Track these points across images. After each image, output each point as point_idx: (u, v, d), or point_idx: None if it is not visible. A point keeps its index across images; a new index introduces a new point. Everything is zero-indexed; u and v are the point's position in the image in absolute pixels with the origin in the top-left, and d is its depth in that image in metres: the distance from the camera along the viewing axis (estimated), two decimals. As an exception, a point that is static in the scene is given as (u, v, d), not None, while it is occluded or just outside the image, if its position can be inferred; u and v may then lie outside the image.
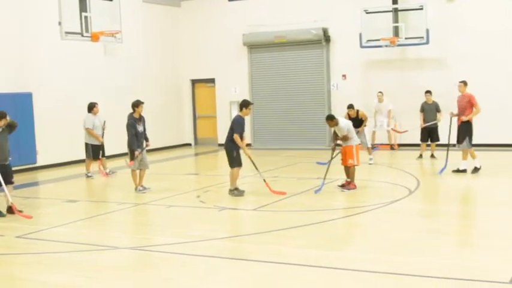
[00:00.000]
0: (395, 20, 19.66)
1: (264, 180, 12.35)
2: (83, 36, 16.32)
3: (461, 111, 14.04)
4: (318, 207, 11.07)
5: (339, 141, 12.74)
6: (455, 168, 14.14)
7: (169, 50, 22.93)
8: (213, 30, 22.74)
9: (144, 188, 13.19)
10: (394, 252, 7.99)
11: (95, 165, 15.96)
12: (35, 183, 15.44)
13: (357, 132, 13.59)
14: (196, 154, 21.80)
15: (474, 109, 13.92)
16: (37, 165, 17.48)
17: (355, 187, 12.48)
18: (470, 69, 18.49)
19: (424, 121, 16.99)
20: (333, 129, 12.85)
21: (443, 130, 16.68)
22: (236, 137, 12.03)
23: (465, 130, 13.97)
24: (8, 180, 10.96)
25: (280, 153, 20.02)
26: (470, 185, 13.42)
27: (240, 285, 7.14)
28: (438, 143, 16.94)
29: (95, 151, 15.56)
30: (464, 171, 14.06)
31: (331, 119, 12.42)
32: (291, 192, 12.33)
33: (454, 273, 6.92)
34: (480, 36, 18.99)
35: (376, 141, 19.35)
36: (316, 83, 21.45)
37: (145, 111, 13.52)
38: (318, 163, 14.02)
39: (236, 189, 12.30)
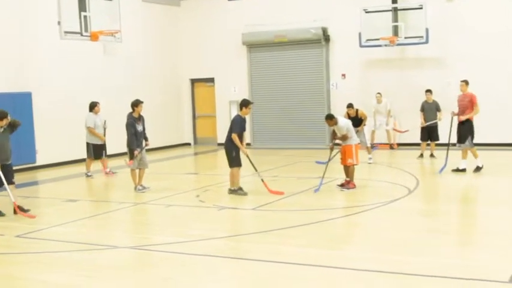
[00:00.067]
0: (395, 20, 19.67)
1: (262, 180, 12.36)
2: (82, 35, 16.33)
3: (462, 110, 14.04)
4: (317, 206, 11.07)
5: (337, 141, 12.74)
6: (455, 168, 14.14)
7: (169, 49, 22.93)
8: (213, 30, 22.73)
9: (144, 188, 13.19)
10: (393, 251, 7.99)
11: (95, 165, 15.97)
12: (35, 183, 15.44)
13: (357, 132, 13.59)
14: (196, 153, 21.80)
15: (474, 108, 13.92)
16: (36, 164, 17.47)
17: (354, 186, 12.48)
18: (470, 68, 18.50)
19: (425, 120, 16.99)
20: (331, 128, 12.85)
21: (443, 129, 16.72)
22: (234, 136, 12.04)
23: (467, 129, 13.98)
24: (9, 180, 10.96)
25: (279, 152, 20.03)
26: (470, 184, 13.42)
27: (239, 284, 7.14)
28: (438, 142, 16.97)
29: (96, 151, 15.56)
30: (463, 170, 14.06)
31: (330, 118, 12.43)
32: (291, 192, 12.33)
33: (453, 273, 6.92)
34: (479, 36, 18.99)
35: (376, 141, 19.36)
36: (315, 82, 21.45)
37: (144, 111, 13.52)
38: (317, 162, 14.02)
39: (240, 188, 12.29)
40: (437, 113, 16.96)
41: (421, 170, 15.45)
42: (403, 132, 18.72)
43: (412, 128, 17.95)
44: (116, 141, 16.28)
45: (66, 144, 18.18)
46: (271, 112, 22.10)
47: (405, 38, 19.40)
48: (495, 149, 17.70)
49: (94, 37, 16.52)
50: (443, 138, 16.76)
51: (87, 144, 15.64)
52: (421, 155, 17.04)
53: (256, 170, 12.45)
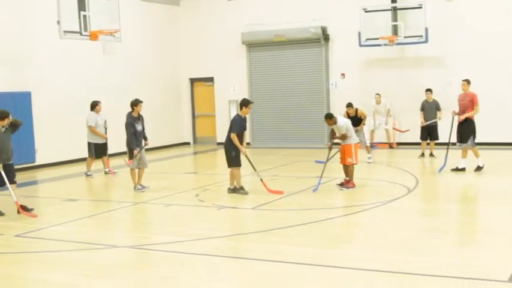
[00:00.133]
0: (394, 19, 19.67)
1: (261, 180, 12.36)
2: (81, 35, 16.32)
3: (463, 110, 14.05)
4: (316, 206, 11.08)
5: (336, 140, 12.75)
6: (454, 167, 14.14)
7: (168, 48, 22.93)
8: (212, 29, 22.73)
9: (143, 187, 13.19)
10: (393, 250, 7.99)
11: (95, 165, 15.96)
12: (34, 182, 15.43)
13: (356, 131, 13.60)
14: (195, 153, 21.80)
15: (474, 108, 13.91)
16: (36, 164, 17.46)
17: (353, 186, 12.48)
18: (469, 68, 18.49)
19: (425, 119, 16.99)
20: (330, 127, 12.85)
21: (443, 129, 16.73)
22: (233, 136, 12.04)
23: (469, 129, 13.98)
24: (11, 180, 10.97)
25: (278, 152, 20.03)
26: (470, 183, 13.42)
27: (239, 283, 7.14)
28: (437, 141, 16.98)
29: (97, 150, 15.56)
30: (463, 169, 14.07)
31: (329, 117, 12.43)
32: (290, 191, 12.33)
33: (453, 272, 6.93)
34: (479, 35, 19.00)
35: (375, 140, 19.38)
36: (315, 81, 21.45)
37: (144, 110, 13.53)
38: (317, 162, 14.01)
39: (241, 188, 12.30)
40: (437, 113, 16.96)
41: (420, 170, 15.45)
42: (404, 131, 18.75)
43: (413, 127, 17.97)
44: (116, 140, 16.28)
45: (66, 143, 18.20)
46: (271, 111, 22.10)
47: (405, 37, 19.39)
48: (494, 148, 17.71)
49: (93, 36, 16.51)
50: (443, 137, 16.78)
51: (89, 143, 15.64)
52: (422, 155, 17.04)
53: (255, 170, 12.45)
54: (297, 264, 7.47)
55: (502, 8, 18.84)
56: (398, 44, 19.54)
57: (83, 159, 17.42)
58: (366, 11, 19.73)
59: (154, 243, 8.90)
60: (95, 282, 7.20)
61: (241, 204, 11.55)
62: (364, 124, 15.73)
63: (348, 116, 15.13)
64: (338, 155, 12.89)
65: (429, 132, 16.99)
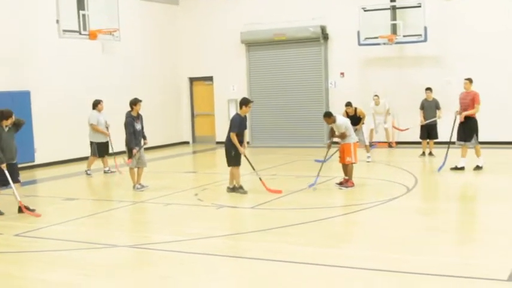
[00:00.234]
0: (393, 18, 19.68)
1: (260, 179, 12.36)
2: (80, 34, 16.31)
3: (465, 108, 14.05)
4: (315, 205, 11.09)
5: (335, 139, 12.76)
6: (453, 166, 14.15)
7: (168, 48, 22.92)
8: (212, 28, 22.73)
9: (142, 186, 13.20)
10: (392, 249, 8.00)
11: (96, 164, 15.97)
12: (33, 182, 15.43)
13: (355, 130, 13.61)
14: (194, 152, 21.81)
15: (475, 106, 13.91)
16: (35, 163, 17.46)
17: (353, 185, 12.49)
18: (469, 67, 18.47)
19: (424, 118, 17.00)
20: (330, 126, 12.86)
21: (443, 128, 16.76)
22: (232, 136, 12.04)
23: (472, 127, 13.99)
24: (15, 179, 10.98)
25: (278, 151, 20.03)
26: (469, 182, 13.43)
27: (238, 282, 7.15)
28: (436, 140, 17.00)
29: (100, 149, 15.58)
30: (462, 168, 14.08)
31: (328, 116, 12.45)
32: (289, 190, 12.34)
33: (452, 271, 6.93)
34: (478, 35, 19.01)
35: (374, 139, 19.40)
36: (314, 80, 21.46)
37: (143, 109, 13.52)
38: (316, 161, 14.01)
39: (241, 187, 12.30)
40: (437, 111, 16.97)
41: (419, 169, 15.45)
42: (403, 130, 18.77)
43: (412, 126, 17.98)
44: (115, 140, 16.26)
45: (65, 143, 18.21)
46: (270, 110, 22.10)
47: (404, 36, 19.41)
48: (493, 148, 17.71)
49: (92, 36, 16.51)
50: (442, 136, 16.80)
51: (91, 142, 15.64)
52: (423, 154, 17.04)
53: (254, 169, 12.45)
54: (297, 264, 7.47)
55: (501, 7, 18.85)
56: (397, 43, 19.55)
57: (83, 159, 17.47)
58: (365, 10, 19.75)
59: (153, 243, 8.90)
60: (94, 282, 7.21)
61: (241, 203, 11.56)
62: (363, 123, 15.75)
63: (347, 115, 15.15)
64: (337, 154, 12.89)
65: (429, 131, 16.99)
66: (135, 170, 13.25)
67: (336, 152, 13.02)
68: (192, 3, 23.13)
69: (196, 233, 9.23)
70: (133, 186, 13.21)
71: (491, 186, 12.75)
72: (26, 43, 17.37)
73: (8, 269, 7.94)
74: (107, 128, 15.68)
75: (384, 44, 19.63)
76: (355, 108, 15.53)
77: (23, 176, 15.40)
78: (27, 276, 7.62)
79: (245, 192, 12.19)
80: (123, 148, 13.61)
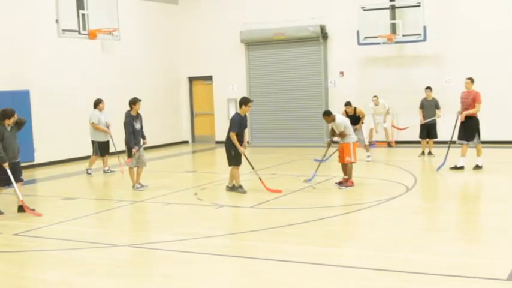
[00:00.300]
0: (393, 17, 19.69)
1: (260, 179, 12.36)
2: (80, 33, 16.29)
3: (466, 107, 14.04)
4: (315, 204, 11.09)
5: (335, 139, 12.77)
6: (453, 165, 14.15)
7: (167, 47, 22.92)
8: (211, 28, 22.73)
9: (142, 186, 13.19)
10: (392, 249, 8.00)
11: (98, 163, 15.98)
12: (33, 181, 15.42)
13: (355, 130, 13.62)
14: (194, 152, 21.80)
15: (476, 106, 13.91)
16: (35, 163, 17.45)
17: (352, 184, 12.49)
18: (468, 66, 18.51)
19: (424, 118, 17.00)
20: (330, 126, 12.86)
21: (442, 127, 16.79)
22: (232, 135, 12.04)
23: (473, 127, 14.00)
24: (18, 178, 10.98)
25: (277, 150, 20.03)
26: (469, 181, 13.44)
27: (238, 282, 7.15)
28: (436, 140, 17.01)
29: (101, 148, 15.58)
30: (462, 168, 14.08)
31: (328, 114, 12.47)
32: (289, 190, 12.34)
33: (451, 270, 6.93)
34: (477, 34, 19.04)
35: (374, 139, 19.41)
36: (313, 80, 21.47)
37: (142, 109, 13.51)
38: (316, 160, 14.03)
39: (240, 186, 12.30)
40: (437, 111, 16.97)
41: (419, 168, 15.46)
42: (403, 129, 18.79)
43: (411, 125, 18.00)
44: (115, 139, 16.26)
45: (65, 142, 18.20)
46: (269, 110, 22.10)
47: (403, 35, 19.42)
48: (493, 147, 17.72)
49: (92, 35, 16.49)
50: (442, 136, 16.83)
51: (92, 142, 15.65)
52: (423, 153, 17.05)
53: (253, 169, 12.45)
54: (296, 263, 7.46)
55: (500, 6, 18.86)
56: (396, 42, 19.56)
57: (82, 158, 17.47)
58: (364, 10, 19.76)
59: (153, 242, 8.90)
60: (94, 281, 7.20)
61: (240, 202, 11.56)
62: (362, 123, 15.76)
63: (347, 114, 15.15)
64: (337, 154, 12.90)
65: (428, 131, 17.00)
66: (135, 169, 13.25)
67: (335, 151, 13.02)
68: (192, 3, 23.13)
69: (196, 232, 9.23)
70: (133, 186, 13.21)
71: (491, 186, 12.76)
72: (25, 42, 17.37)
73: (7, 268, 7.94)
74: (107, 127, 15.68)
75: (384, 43, 19.63)
76: (355, 108, 15.54)
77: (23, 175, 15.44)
78: (27, 276, 7.61)
79: (244, 192, 12.19)
80: (123, 147, 13.61)
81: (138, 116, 13.30)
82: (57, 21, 15.57)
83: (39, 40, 17.64)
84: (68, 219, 10.53)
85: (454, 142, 14.30)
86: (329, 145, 12.94)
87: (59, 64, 18.31)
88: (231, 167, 12.32)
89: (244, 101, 12.21)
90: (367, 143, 16.70)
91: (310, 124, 21.41)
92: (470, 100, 13.98)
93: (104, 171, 15.87)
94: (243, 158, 12.27)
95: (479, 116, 14.20)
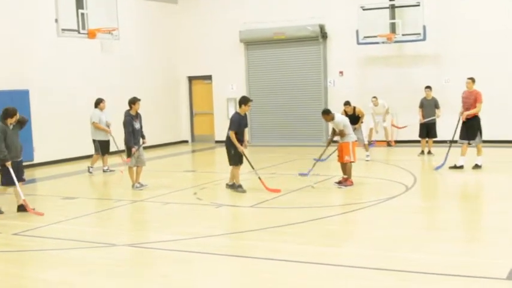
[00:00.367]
0: (392, 17, 19.69)
1: (259, 178, 12.36)
2: (79, 33, 16.28)
3: (467, 107, 14.05)
4: (315, 204, 11.09)
5: (335, 138, 12.77)
6: (452, 165, 14.15)
7: (166, 46, 22.91)
8: (210, 27, 22.72)
9: (141, 185, 13.19)
10: (391, 248, 8.00)
11: (97, 163, 15.99)
12: (32, 180, 15.40)
13: (354, 129, 13.62)
14: (193, 151, 21.80)
15: (477, 105, 13.91)
16: (34, 162, 17.44)
17: (352, 184, 12.49)
18: (468, 65, 18.52)
19: (423, 117, 17.01)
20: (331, 126, 12.87)
21: (442, 127, 16.79)
22: (231, 134, 12.04)
23: (474, 126, 14.01)
24: (20, 177, 10.98)
25: (277, 150, 20.03)
26: (468, 181, 13.44)
27: (237, 281, 7.16)
28: (435, 139, 17.02)
29: (102, 147, 15.60)
30: (461, 167, 14.09)
31: (327, 113, 12.49)
32: (289, 189, 12.34)
33: (451, 269, 6.93)
34: (477, 33, 19.04)
35: (374, 138, 19.41)
36: (313, 79, 21.46)
37: (142, 108, 13.50)
38: (315, 160, 14.03)
39: (240, 186, 12.30)
40: (436, 110, 16.98)
41: (418, 167, 15.47)
42: (402, 128, 18.79)
43: (410, 123, 18.00)
44: (115, 138, 16.27)
45: (64, 141, 18.19)
46: (269, 109, 22.10)
47: (403, 35, 19.42)
48: (493, 147, 17.72)
49: (91, 35, 16.48)
50: (442, 135, 16.84)
51: (93, 141, 15.66)
52: (422, 152, 17.06)
53: (253, 168, 12.45)
54: (296, 262, 7.47)
55: (500, 5, 18.86)
56: (396, 41, 19.56)
57: (81, 158, 17.46)
58: (363, 9, 19.76)
59: (152, 242, 8.90)
60: (93, 281, 7.20)
61: (240, 202, 11.56)
62: (362, 122, 15.76)
63: (346, 114, 15.16)
64: (336, 153, 12.90)
65: (428, 130, 17.00)
66: (134, 169, 13.25)
67: (334, 151, 13.02)
68: (191, 2, 23.12)
69: (195, 232, 9.23)
70: (133, 185, 13.21)
71: (491, 185, 12.77)
72: (24, 42, 17.36)
73: (7, 268, 7.94)
74: (108, 126, 15.68)
75: (383, 42, 19.63)
76: (354, 107, 15.54)
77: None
78: (27, 276, 7.61)
79: (244, 191, 12.19)
80: (122, 147, 13.61)
81: (138, 116, 13.30)
82: (56, 20, 15.55)
83: (38, 40, 17.63)
84: (67, 219, 10.53)
85: (455, 141, 14.29)
86: (328, 144, 12.94)
87: (58, 63, 18.30)
88: (231, 167, 12.32)
89: (243, 101, 12.21)
90: (366, 142, 16.70)
91: (309, 124, 21.41)
92: (472, 100, 13.98)
93: (104, 171, 15.87)
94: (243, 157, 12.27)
95: (480, 115, 14.20)
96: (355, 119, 15.20)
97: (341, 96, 18.92)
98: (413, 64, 20.04)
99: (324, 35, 21.03)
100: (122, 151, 14.56)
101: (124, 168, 14.39)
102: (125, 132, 13.10)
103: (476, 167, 14.10)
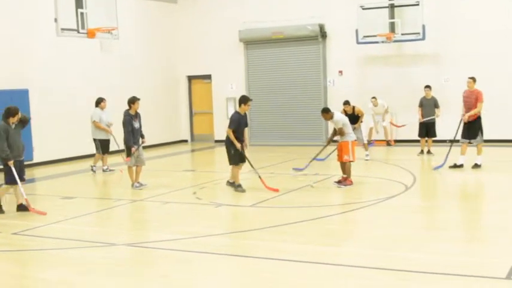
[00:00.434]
0: (392, 16, 19.69)
1: (259, 177, 12.36)
2: (79, 32, 16.29)
3: (469, 107, 14.05)
4: (314, 203, 11.09)
5: (336, 138, 12.77)
6: (452, 164, 14.15)
7: (166, 46, 22.91)
8: (210, 27, 22.72)
9: (141, 185, 13.19)
10: (391, 248, 8.00)
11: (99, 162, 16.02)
12: (32, 180, 15.40)
13: (354, 129, 13.61)
14: (193, 150, 21.80)
15: (478, 105, 13.91)
16: (33, 162, 17.43)
17: (351, 183, 12.49)
18: (467, 65, 18.53)
19: (423, 116, 17.01)
20: (332, 126, 12.87)
21: (441, 126, 16.79)
22: (229, 131, 12.04)
23: (477, 126, 14.02)
24: (20, 177, 10.98)
25: (276, 149, 20.03)
26: (468, 180, 13.45)
27: (237, 281, 7.15)
28: (435, 138, 17.03)
29: (103, 145, 15.60)
30: (461, 166, 14.09)
31: (326, 111, 12.49)
32: (288, 189, 12.34)
33: (450, 269, 6.93)
34: (476, 32, 19.04)
35: (373, 138, 19.41)
36: (312, 79, 21.46)
37: (141, 108, 13.50)
38: (316, 159, 14.03)
39: (239, 185, 12.29)
40: (436, 110, 16.98)
41: (418, 167, 15.47)
42: (400, 126, 18.79)
43: (409, 122, 18.00)
44: (116, 137, 16.28)
45: (63, 141, 18.19)
46: (268, 109, 22.10)
47: (402, 34, 19.43)
48: (492, 146, 17.72)
49: (91, 34, 16.49)
50: (441, 134, 16.84)
51: (94, 140, 15.66)
52: (421, 152, 17.06)
53: (253, 167, 12.44)
54: (296, 262, 7.47)
55: (499, 5, 18.86)
56: (395, 41, 19.56)
57: (81, 157, 17.44)
58: (363, 9, 19.76)
59: (152, 241, 8.90)
60: (93, 280, 7.20)
61: (239, 201, 11.56)
62: (361, 121, 15.76)
63: (345, 113, 15.14)
64: (336, 153, 12.90)
65: (427, 130, 17.00)
66: (134, 168, 13.25)
67: (334, 150, 13.01)
68: (191, 1, 23.11)
69: (195, 231, 9.23)
70: (132, 185, 13.21)
71: (490, 184, 12.78)
72: (24, 41, 17.35)
73: (7, 267, 7.94)
74: (109, 126, 15.68)
75: (382, 42, 19.64)
76: (353, 107, 15.54)
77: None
78: (27, 275, 7.62)
79: (243, 191, 12.19)
80: (122, 146, 13.60)
81: (137, 115, 13.30)
82: (56, 20, 15.56)
83: (38, 39, 17.62)
84: (67, 218, 10.53)
85: (457, 141, 14.27)
86: (328, 143, 12.94)
87: (58, 63, 18.29)
88: (231, 166, 12.32)
89: (243, 100, 12.22)
90: (366, 141, 16.70)
91: (309, 123, 21.40)
92: (473, 99, 13.98)
93: (103, 170, 15.86)
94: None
95: (481, 115, 14.21)
96: (354, 118, 15.20)
97: (340, 95, 18.92)
98: (413, 63, 20.04)
99: (323, 35, 21.03)
100: (122, 150, 14.56)
101: (124, 167, 14.38)
102: (124, 132, 13.11)
103: (476, 166, 14.11)
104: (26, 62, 17.42)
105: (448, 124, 14.70)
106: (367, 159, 16.19)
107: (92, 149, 15.91)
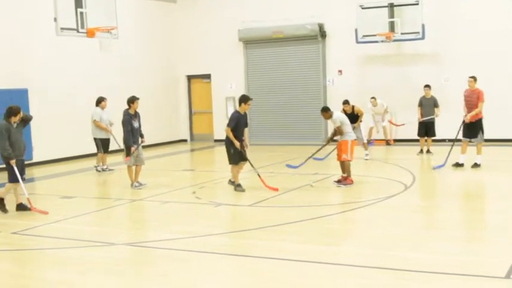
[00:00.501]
0: (391, 15, 19.67)
1: (259, 175, 12.36)
2: (78, 32, 16.28)
3: (470, 107, 14.06)
4: (314, 202, 11.09)
5: (336, 138, 12.77)
6: (454, 163, 14.14)
7: (165, 45, 22.90)
8: (209, 26, 22.71)
9: (140, 184, 13.19)
10: (390, 247, 7.99)
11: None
12: (31, 180, 15.39)
13: (353, 128, 13.60)
14: (192, 150, 21.80)
15: (479, 104, 13.91)
16: (33, 161, 17.42)
17: (351, 182, 12.48)
18: (467, 64, 18.53)
19: (422, 115, 17.01)
20: (331, 125, 12.87)
21: (441, 125, 16.80)
22: (228, 130, 12.03)
23: (478, 125, 14.04)
24: (21, 176, 10.98)
25: (276, 148, 20.03)
26: (467, 180, 13.44)
27: (236, 280, 7.15)
28: (434, 138, 17.03)
29: (104, 145, 15.61)
30: (462, 165, 14.09)
31: (325, 110, 12.50)
32: (287, 188, 12.34)
33: (450, 268, 6.93)
34: (476, 32, 19.04)
35: (372, 137, 19.41)
36: (312, 78, 21.46)
37: (140, 107, 13.50)
38: (315, 159, 14.04)
39: (239, 185, 12.29)
40: (435, 109, 16.98)
41: (417, 166, 15.47)
42: (399, 125, 18.80)
43: (408, 121, 18.01)
44: (116, 137, 16.28)
45: (63, 140, 18.18)
46: (268, 108, 22.09)
47: (401, 34, 19.42)
48: (492, 145, 17.72)
49: (90, 34, 16.48)
50: (441, 134, 16.84)
51: (95, 139, 15.66)
52: (421, 151, 17.07)
53: (252, 167, 12.43)
54: (295, 261, 7.47)
55: (499, 5, 18.86)
56: (395, 40, 19.56)
57: (80, 157, 17.43)
58: (362, 8, 19.75)
59: (151, 240, 8.90)
60: (92, 280, 7.20)
61: (239, 201, 11.55)
62: (361, 121, 15.75)
63: (345, 113, 15.11)
64: (335, 152, 12.90)
65: (426, 129, 17.01)
66: (133, 168, 13.25)
67: (334, 149, 13.01)
68: (190, 1, 23.11)
69: (194, 231, 9.22)
70: (131, 184, 13.21)
71: (490, 184, 12.78)
72: (23, 41, 17.34)
73: (7, 267, 7.94)
74: (110, 125, 15.68)
75: (382, 41, 19.64)
76: (353, 106, 15.53)
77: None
78: (26, 275, 7.61)
79: (243, 190, 12.19)
80: (121, 146, 13.60)
81: (136, 115, 13.29)
82: (55, 19, 15.56)
83: (37, 38, 17.61)
84: (66, 218, 10.53)
85: (459, 140, 14.25)
86: (327, 142, 12.95)
87: (57, 62, 18.28)
88: (231, 165, 12.32)
89: (243, 99, 12.22)
90: (365, 141, 16.70)
91: (308, 122, 21.40)
92: (474, 99, 13.99)
93: (103, 170, 15.85)
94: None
95: (482, 114, 14.22)
96: (354, 117, 15.18)
97: (340, 95, 18.91)
98: (412, 63, 20.04)
99: (323, 34, 21.03)
100: (122, 150, 14.56)
101: (123, 167, 14.37)
102: (123, 131, 13.11)
103: (476, 165, 14.11)
104: (26, 61, 17.42)
105: (448, 124, 14.71)
106: (366, 159, 16.19)
107: (91, 148, 15.91)
